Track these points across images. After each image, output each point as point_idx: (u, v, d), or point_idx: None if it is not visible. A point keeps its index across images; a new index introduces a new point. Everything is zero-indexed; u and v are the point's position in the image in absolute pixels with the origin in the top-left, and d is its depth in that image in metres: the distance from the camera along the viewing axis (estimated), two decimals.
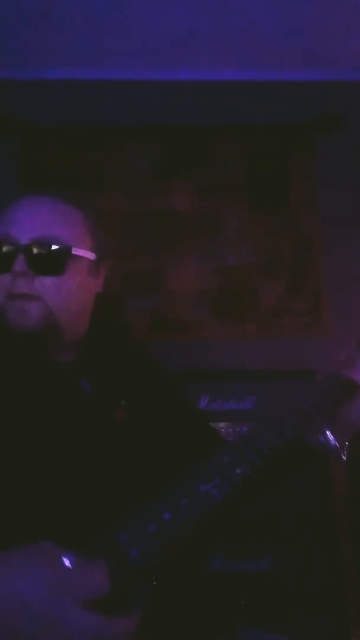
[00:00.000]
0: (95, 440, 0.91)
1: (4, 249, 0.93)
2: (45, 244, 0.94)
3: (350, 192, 2.35)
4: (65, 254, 0.96)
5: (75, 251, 0.97)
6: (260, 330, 2.21)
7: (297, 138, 2.40)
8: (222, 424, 1.77)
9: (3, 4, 2.06)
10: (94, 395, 0.97)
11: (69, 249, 0.96)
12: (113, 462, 0.91)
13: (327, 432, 0.96)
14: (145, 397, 1.03)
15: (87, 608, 0.64)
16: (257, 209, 2.33)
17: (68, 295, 0.96)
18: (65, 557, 0.67)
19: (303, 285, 2.26)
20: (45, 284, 0.94)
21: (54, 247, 0.95)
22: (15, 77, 2.36)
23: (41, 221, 0.96)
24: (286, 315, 2.23)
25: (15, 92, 2.36)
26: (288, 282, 2.27)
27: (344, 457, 0.92)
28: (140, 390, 1.04)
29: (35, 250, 0.93)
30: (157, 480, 0.84)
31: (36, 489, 0.81)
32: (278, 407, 0.92)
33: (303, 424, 0.91)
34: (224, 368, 1.98)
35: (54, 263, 0.95)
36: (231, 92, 2.42)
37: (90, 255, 1.01)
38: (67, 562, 0.66)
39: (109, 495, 0.84)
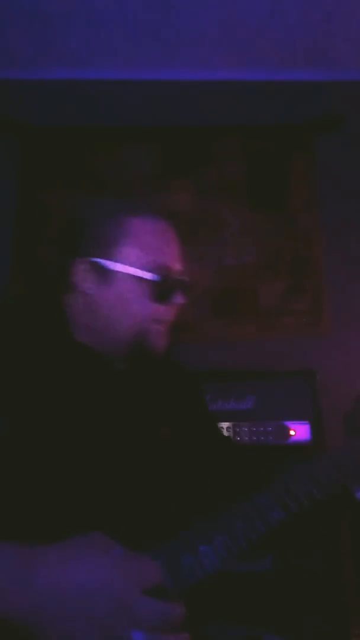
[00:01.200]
0: (146, 451, 0.95)
1: (169, 282, 0.99)
2: (186, 278, 1.03)
3: (350, 192, 2.35)
4: (190, 285, 1.05)
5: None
6: (260, 330, 2.21)
7: (297, 138, 2.40)
8: (222, 424, 1.77)
9: (3, 4, 2.06)
10: (145, 405, 1.01)
11: (189, 281, 1.05)
12: (159, 472, 0.94)
13: None
14: (184, 410, 1.08)
15: (148, 594, 0.67)
16: (257, 209, 2.33)
17: None
18: (116, 547, 0.70)
19: (303, 285, 2.26)
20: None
21: (186, 279, 1.03)
22: (15, 77, 2.36)
23: (181, 258, 1.04)
24: (286, 315, 2.23)
25: (15, 92, 2.37)
26: (288, 282, 2.27)
27: None
28: (180, 401, 1.09)
29: (184, 283, 1.02)
30: (191, 493, 0.90)
31: (85, 489, 0.83)
32: (320, 457, 0.92)
33: (342, 480, 0.91)
34: (224, 368, 1.98)
35: (188, 292, 1.04)
36: (231, 92, 2.42)
37: None
38: (119, 552, 0.70)
39: (151, 505, 0.86)
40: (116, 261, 0.97)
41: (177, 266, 1.01)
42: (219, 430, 1.23)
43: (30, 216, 2.28)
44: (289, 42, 2.27)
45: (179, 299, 1.00)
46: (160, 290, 0.98)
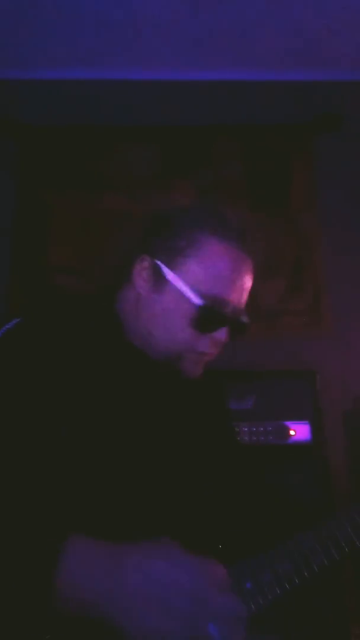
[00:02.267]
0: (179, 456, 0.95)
1: (221, 315, 0.94)
2: (241, 316, 0.98)
3: (350, 192, 2.35)
4: (247, 327, 1.00)
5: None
6: (260, 330, 2.21)
7: (297, 138, 2.40)
8: None
9: (3, 4, 2.06)
10: (180, 411, 1.00)
11: (248, 323, 1.00)
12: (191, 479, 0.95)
13: None
14: (212, 417, 1.08)
15: (224, 591, 0.72)
16: (257, 209, 2.33)
17: None
18: (184, 551, 0.73)
19: (303, 285, 2.26)
20: (222, 346, 0.98)
21: (244, 321, 0.99)
22: (15, 77, 2.36)
23: (247, 295, 0.99)
24: (286, 315, 2.23)
25: (15, 92, 2.37)
26: (288, 282, 2.27)
27: None
28: (208, 407, 1.09)
29: (236, 322, 0.96)
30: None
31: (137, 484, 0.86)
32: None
33: None
34: (224, 368, 1.98)
35: (239, 333, 0.99)
36: (231, 92, 2.42)
37: None
38: (190, 556, 0.73)
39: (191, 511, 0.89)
40: (175, 272, 0.94)
41: (235, 302, 0.95)
42: (236, 437, 1.23)
43: (30, 216, 2.28)
44: (288, 42, 2.27)
45: (221, 334, 0.94)
46: (203, 318, 0.92)
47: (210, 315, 0.92)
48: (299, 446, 1.77)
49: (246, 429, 1.78)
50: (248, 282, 0.98)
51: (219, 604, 0.70)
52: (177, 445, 0.94)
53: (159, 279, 0.95)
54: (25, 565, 0.68)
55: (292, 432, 1.78)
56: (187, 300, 0.92)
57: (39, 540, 0.70)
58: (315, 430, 1.78)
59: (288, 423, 1.79)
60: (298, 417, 1.80)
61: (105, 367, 0.90)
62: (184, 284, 0.93)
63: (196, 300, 0.92)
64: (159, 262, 0.95)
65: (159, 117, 2.38)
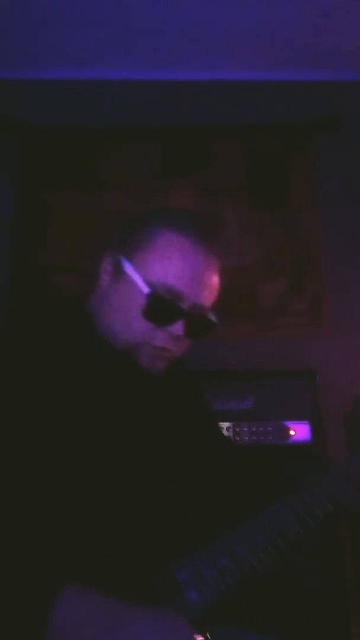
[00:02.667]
0: (161, 457, 0.95)
1: (173, 306, 0.92)
2: (204, 314, 0.97)
3: (350, 192, 2.35)
4: (213, 326, 1.00)
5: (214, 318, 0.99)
6: (260, 330, 2.21)
7: (297, 138, 2.40)
8: (222, 424, 1.76)
9: (3, 5, 2.06)
10: (157, 410, 1.00)
11: (215, 323, 1.00)
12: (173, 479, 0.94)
13: None
14: (190, 413, 1.08)
15: None
16: (257, 209, 2.33)
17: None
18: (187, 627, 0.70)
19: (303, 285, 2.26)
20: (185, 344, 0.98)
21: (210, 319, 0.98)
22: (15, 77, 2.36)
23: (210, 293, 0.98)
24: (286, 315, 2.23)
25: (15, 92, 2.37)
26: (288, 282, 2.27)
27: None
28: (186, 404, 1.09)
29: (195, 318, 0.95)
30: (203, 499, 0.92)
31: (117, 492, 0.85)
32: (334, 469, 0.92)
33: (355, 493, 0.90)
34: (224, 368, 1.98)
35: (202, 332, 0.98)
36: (231, 92, 2.42)
37: None
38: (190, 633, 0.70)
39: (172, 511, 0.88)
40: (131, 264, 0.94)
41: (193, 296, 0.94)
42: (220, 432, 1.23)
43: (29, 216, 2.28)
44: (288, 42, 2.27)
45: (176, 329, 0.92)
46: (153, 308, 0.92)
47: (160, 305, 0.92)
48: (299, 446, 1.77)
49: (246, 429, 1.78)
50: (210, 279, 0.97)
51: None
52: (153, 442, 0.94)
53: (118, 272, 0.97)
54: (16, 616, 0.66)
55: (292, 432, 1.78)
56: (139, 289, 0.93)
57: (28, 586, 0.68)
58: (315, 430, 1.78)
59: (288, 423, 1.79)
60: (298, 417, 1.80)
61: (76, 365, 0.91)
62: (137, 274, 0.93)
63: (145, 288, 0.92)
64: (119, 256, 0.97)
65: (159, 117, 2.38)
